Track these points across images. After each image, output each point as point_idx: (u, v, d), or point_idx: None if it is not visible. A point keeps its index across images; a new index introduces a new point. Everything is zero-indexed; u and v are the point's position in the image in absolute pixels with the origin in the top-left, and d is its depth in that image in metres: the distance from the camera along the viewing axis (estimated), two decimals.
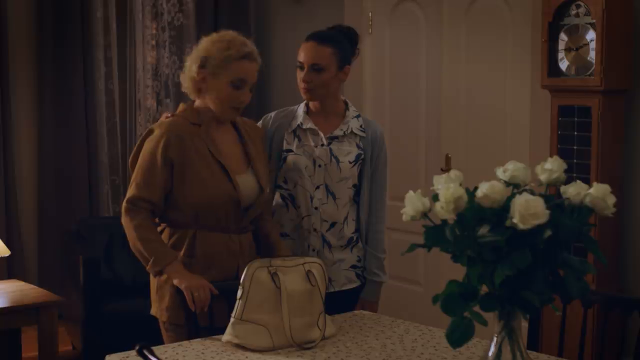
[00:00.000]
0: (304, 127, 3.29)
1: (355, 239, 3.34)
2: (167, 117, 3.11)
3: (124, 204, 3.02)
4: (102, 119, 6.01)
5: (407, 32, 5.54)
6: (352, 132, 3.30)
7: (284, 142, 3.29)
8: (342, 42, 3.28)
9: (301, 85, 3.26)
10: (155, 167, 2.98)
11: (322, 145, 3.27)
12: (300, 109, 3.34)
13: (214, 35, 3.10)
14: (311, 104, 3.33)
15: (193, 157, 3.00)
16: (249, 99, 3.09)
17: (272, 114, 3.40)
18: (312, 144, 3.28)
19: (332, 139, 3.29)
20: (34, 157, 5.83)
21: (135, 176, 3.03)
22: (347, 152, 3.29)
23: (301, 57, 3.25)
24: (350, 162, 3.28)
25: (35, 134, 5.82)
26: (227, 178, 3.03)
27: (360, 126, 3.33)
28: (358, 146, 3.31)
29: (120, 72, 6.13)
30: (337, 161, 3.26)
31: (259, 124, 3.38)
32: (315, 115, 3.32)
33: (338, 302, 3.13)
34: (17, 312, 4.39)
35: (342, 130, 3.30)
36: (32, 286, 4.79)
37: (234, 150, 3.13)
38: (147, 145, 3.03)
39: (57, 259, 5.67)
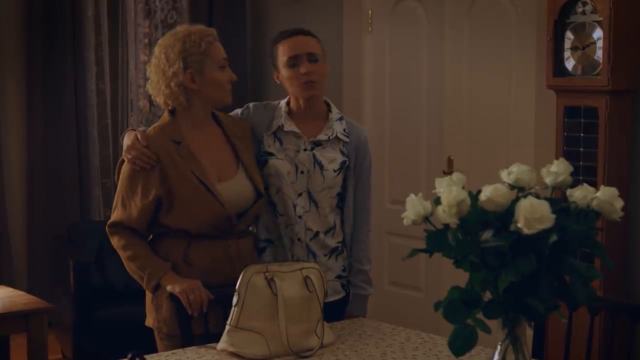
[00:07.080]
0: (286, 129, 3.12)
1: (340, 248, 3.20)
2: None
3: (106, 228, 3.00)
4: (94, 120, 6.02)
5: (408, 31, 5.51)
6: (336, 137, 3.15)
7: (264, 144, 3.13)
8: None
9: (302, 79, 3.06)
10: (136, 196, 2.94)
11: (305, 150, 3.12)
12: (282, 108, 3.17)
13: (174, 35, 3.02)
14: (293, 104, 3.16)
15: (177, 185, 2.92)
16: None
17: (251, 105, 3.22)
18: (295, 148, 3.12)
19: (315, 144, 3.14)
20: (23, 159, 5.83)
21: (116, 200, 2.99)
22: (332, 159, 3.13)
23: (294, 50, 3.09)
24: (335, 171, 3.12)
25: (24, 135, 5.81)
26: (213, 197, 2.95)
27: (344, 130, 3.18)
28: (342, 152, 3.16)
29: (112, 72, 6.13)
30: (321, 168, 3.11)
31: (238, 112, 3.22)
32: (297, 116, 3.15)
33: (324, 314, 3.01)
34: (5, 320, 4.36)
35: (326, 135, 3.14)
36: (21, 292, 4.77)
37: (221, 155, 3.05)
38: (127, 170, 2.97)
39: (46, 265, 5.69)
